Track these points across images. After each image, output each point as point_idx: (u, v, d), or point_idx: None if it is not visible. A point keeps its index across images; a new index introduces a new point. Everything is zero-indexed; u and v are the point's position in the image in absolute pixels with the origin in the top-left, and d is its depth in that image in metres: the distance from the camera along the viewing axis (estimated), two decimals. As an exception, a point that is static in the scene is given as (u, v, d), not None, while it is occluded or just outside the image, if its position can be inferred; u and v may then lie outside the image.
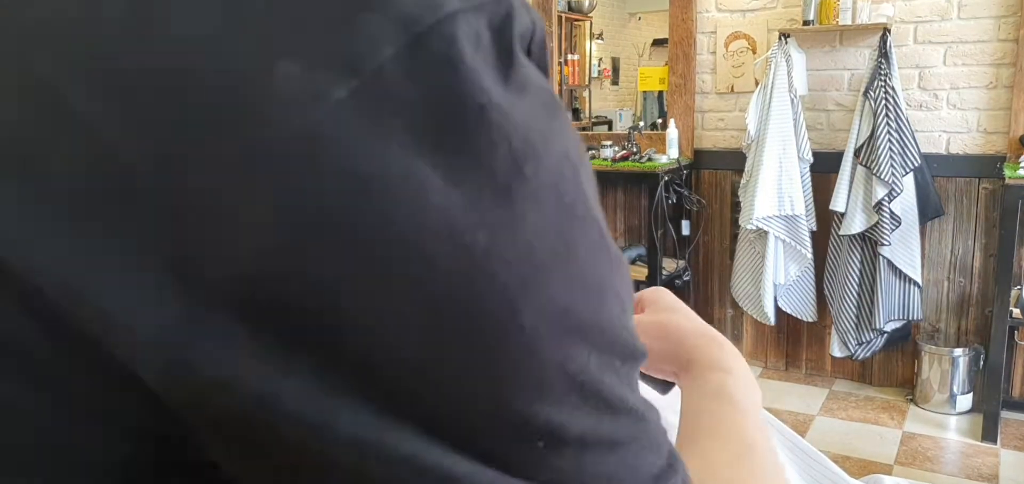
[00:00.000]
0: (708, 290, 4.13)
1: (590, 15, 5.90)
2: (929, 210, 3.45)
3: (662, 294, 0.61)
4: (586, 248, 0.30)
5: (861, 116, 3.40)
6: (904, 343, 3.66)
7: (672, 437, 0.40)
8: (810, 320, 3.82)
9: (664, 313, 0.58)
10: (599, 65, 6.68)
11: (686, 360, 0.55)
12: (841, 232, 3.51)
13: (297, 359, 0.26)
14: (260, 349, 0.26)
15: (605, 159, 4.01)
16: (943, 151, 3.50)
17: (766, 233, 3.61)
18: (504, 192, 0.27)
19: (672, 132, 3.96)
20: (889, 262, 3.42)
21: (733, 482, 0.36)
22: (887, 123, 3.28)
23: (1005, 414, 3.39)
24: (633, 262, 4.05)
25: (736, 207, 3.84)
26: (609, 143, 4.14)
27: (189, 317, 0.25)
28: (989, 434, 3.26)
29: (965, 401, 3.49)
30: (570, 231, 0.29)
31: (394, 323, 0.26)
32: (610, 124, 5.75)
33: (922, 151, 3.40)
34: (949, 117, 3.48)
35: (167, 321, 0.26)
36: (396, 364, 0.26)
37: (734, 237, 3.91)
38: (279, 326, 0.26)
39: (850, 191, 3.44)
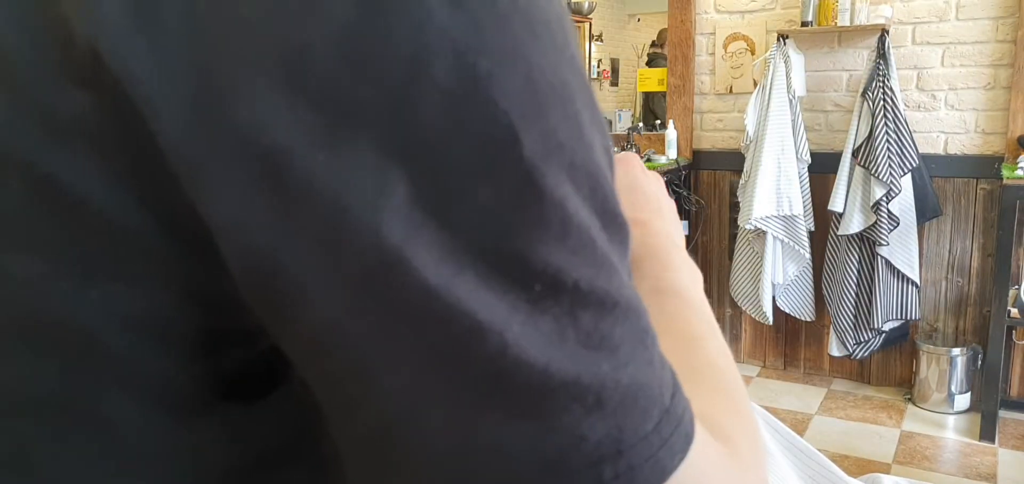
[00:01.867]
0: (707, 289, 4.12)
1: (589, 17, 5.90)
2: (927, 210, 3.46)
3: (620, 170, 0.54)
4: (580, 96, 0.29)
5: (859, 117, 3.41)
6: (902, 343, 3.67)
7: None
8: (808, 320, 3.83)
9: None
10: (598, 66, 6.69)
11: None
12: (839, 232, 3.52)
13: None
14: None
15: (604, 160, 4.01)
16: (941, 152, 3.51)
17: (764, 233, 3.62)
18: (504, 21, 0.27)
19: (671, 133, 3.97)
20: (887, 262, 3.43)
21: (680, 374, 0.32)
22: (885, 124, 3.29)
23: (1003, 413, 3.40)
24: (632, 262, 4.05)
25: (735, 207, 3.85)
26: (608, 144, 4.14)
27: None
28: (987, 433, 3.27)
29: (963, 400, 3.50)
30: (564, 73, 0.29)
31: (401, 143, 0.26)
32: (610, 125, 5.75)
33: (920, 151, 3.41)
34: (947, 118, 3.49)
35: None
36: (411, 187, 0.26)
37: (733, 237, 3.92)
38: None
39: (848, 191, 3.45)
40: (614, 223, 0.30)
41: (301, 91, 0.25)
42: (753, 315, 3.82)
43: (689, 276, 0.47)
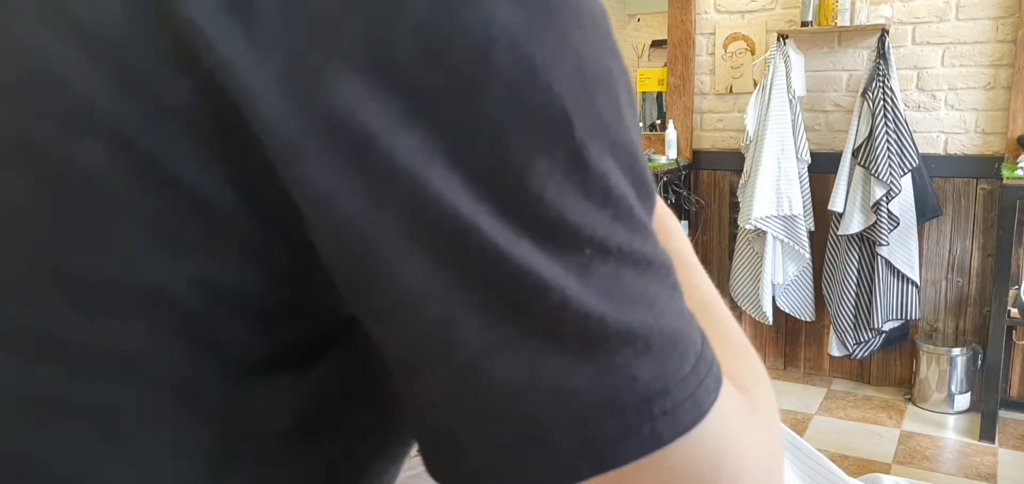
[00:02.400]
0: (707, 290, 4.14)
1: (589, 16, 5.89)
2: (927, 210, 3.46)
3: None
4: (621, 83, 0.33)
5: (859, 117, 3.41)
6: (902, 343, 3.67)
7: None
8: (808, 320, 3.83)
9: None
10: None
11: None
12: (839, 232, 3.52)
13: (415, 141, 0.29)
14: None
15: (604, 160, 4.02)
16: (941, 152, 3.52)
17: (764, 233, 3.62)
18: (556, 15, 0.30)
19: (671, 133, 3.97)
20: (887, 262, 3.43)
21: (714, 338, 0.35)
22: (885, 124, 3.30)
23: (1003, 413, 3.40)
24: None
25: (735, 207, 3.85)
26: (608, 144, 4.15)
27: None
28: (987, 433, 3.27)
29: (963, 400, 3.50)
30: (608, 60, 0.32)
31: (470, 125, 0.29)
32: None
33: (920, 151, 3.41)
34: (947, 118, 3.49)
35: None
36: (478, 164, 0.29)
37: (732, 237, 3.92)
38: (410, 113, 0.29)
39: (848, 191, 3.45)
40: (646, 191, 0.33)
41: (384, 78, 0.29)
42: (753, 315, 3.82)
43: (685, 239, 0.51)
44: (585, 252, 0.30)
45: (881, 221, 3.33)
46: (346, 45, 0.29)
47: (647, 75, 4.95)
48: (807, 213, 3.65)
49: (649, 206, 0.33)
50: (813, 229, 3.69)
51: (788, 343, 4.01)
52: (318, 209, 0.30)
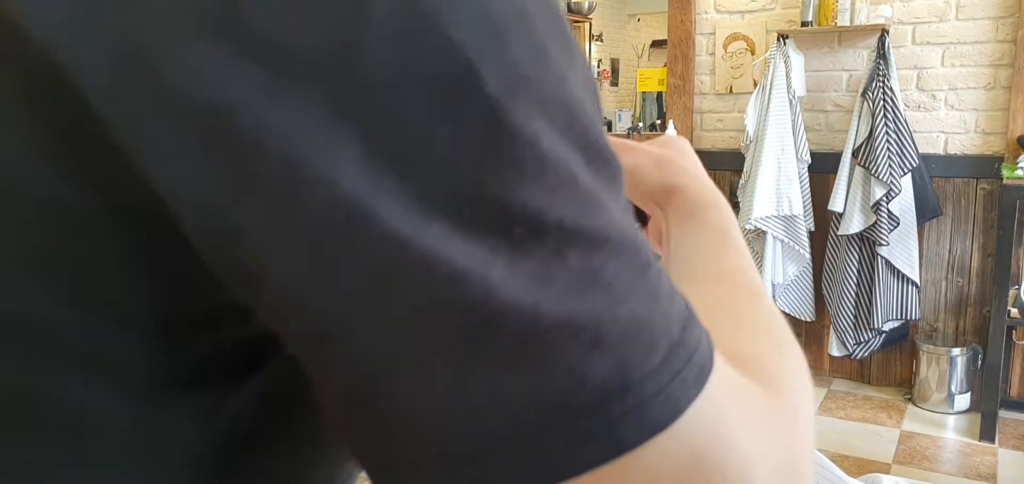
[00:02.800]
0: (707, 290, 4.15)
1: (589, 17, 5.91)
2: (927, 210, 3.47)
3: (677, 142, 0.53)
4: (543, 24, 0.28)
5: (859, 117, 3.41)
6: (902, 343, 3.67)
7: None
8: (808, 320, 3.84)
9: (664, 148, 0.52)
10: (598, 66, 6.70)
11: (671, 188, 0.49)
12: (839, 232, 3.53)
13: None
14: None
15: (604, 160, 4.03)
16: (941, 152, 3.52)
17: (764, 233, 3.62)
18: None
19: (671, 133, 3.97)
20: (887, 262, 3.43)
21: (747, 326, 0.31)
22: (885, 124, 3.30)
23: (1003, 413, 3.40)
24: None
25: (734, 207, 3.85)
26: (608, 144, 4.15)
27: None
28: (987, 433, 3.27)
29: (963, 400, 3.50)
30: (522, 2, 0.27)
31: (352, 87, 0.25)
32: (609, 125, 5.76)
33: (920, 151, 3.42)
34: (947, 118, 3.49)
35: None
36: (368, 133, 0.25)
37: (733, 237, 3.92)
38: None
39: (848, 191, 3.45)
40: (599, 157, 0.28)
41: (237, 42, 0.24)
42: (753, 315, 3.82)
43: (728, 217, 0.47)
44: (514, 232, 0.26)
45: (881, 221, 3.34)
46: (187, 7, 0.24)
47: (647, 75, 4.96)
48: (807, 213, 3.65)
49: (602, 171, 0.28)
50: (813, 229, 3.70)
51: (788, 343, 4.01)
52: (177, 200, 0.26)
